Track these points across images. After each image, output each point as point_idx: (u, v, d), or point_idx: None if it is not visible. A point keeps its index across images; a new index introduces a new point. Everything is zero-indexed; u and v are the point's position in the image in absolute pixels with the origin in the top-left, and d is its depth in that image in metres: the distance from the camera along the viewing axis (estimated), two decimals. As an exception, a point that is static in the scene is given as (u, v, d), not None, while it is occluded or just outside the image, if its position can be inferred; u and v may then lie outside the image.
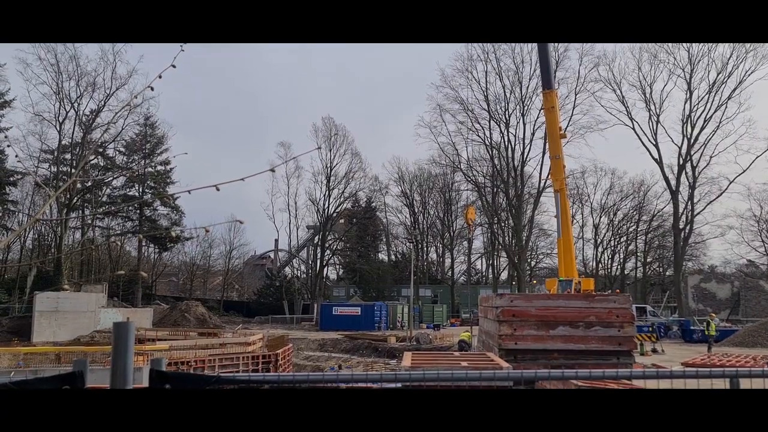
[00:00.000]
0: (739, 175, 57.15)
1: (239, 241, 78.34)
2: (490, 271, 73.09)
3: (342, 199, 69.18)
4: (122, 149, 61.98)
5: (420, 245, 75.41)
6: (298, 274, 75.96)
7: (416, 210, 77.25)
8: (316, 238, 70.65)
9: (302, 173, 69.96)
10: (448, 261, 77.60)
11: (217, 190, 4.04)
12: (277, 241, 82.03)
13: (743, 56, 54.49)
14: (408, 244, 73.61)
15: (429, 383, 3.36)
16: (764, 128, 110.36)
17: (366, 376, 3.44)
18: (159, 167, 64.35)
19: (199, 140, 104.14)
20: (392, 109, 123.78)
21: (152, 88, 4.55)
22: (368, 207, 74.80)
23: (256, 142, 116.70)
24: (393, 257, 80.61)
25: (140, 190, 62.99)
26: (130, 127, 58.62)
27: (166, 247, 69.54)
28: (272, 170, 5.16)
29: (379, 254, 79.19)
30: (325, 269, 73.98)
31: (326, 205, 67.77)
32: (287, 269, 78.61)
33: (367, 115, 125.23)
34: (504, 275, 72.38)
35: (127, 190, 63.60)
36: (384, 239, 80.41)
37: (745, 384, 3.13)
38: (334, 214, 69.74)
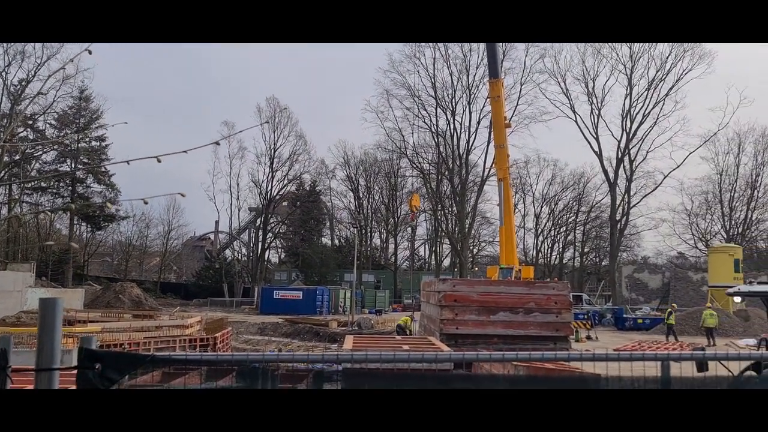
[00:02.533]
0: (673, 170, 59.28)
1: (178, 222, 76.14)
2: (433, 257, 73.86)
3: (286, 181, 68.36)
4: (54, 122, 59.03)
5: (364, 230, 75.38)
6: (239, 257, 74.76)
7: (361, 195, 77.26)
8: (258, 221, 69.57)
9: (245, 154, 68.68)
10: (391, 247, 78.05)
11: (159, 161, 3.94)
12: (217, 222, 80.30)
13: (681, 55, 56.57)
14: (352, 229, 73.60)
15: (372, 364, 3.35)
16: (698, 126, 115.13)
17: (308, 356, 3.36)
18: (93, 143, 61.85)
19: (141, 118, 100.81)
20: (339, 92, 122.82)
21: (90, 52, 4.31)
22: (312, 190, 74.11)
23: (199, 122, 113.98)
24: (336, 242, 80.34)
25: (72, 165, 60.37)
26: (63, 100, 55.87)
27: (100, 226, 66.97)
28: (217, 143, 5.08)
29: (323, 238, 78.83)
30: (267, 252, 73.19)
31: (269, 188, 66.85)
32: (228, 251, 77.22)
33: (313, 96, 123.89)
34: (447, 262, 73.31)
35: (59, 165, 60.80)
36: (328, 223, 79.97)
37: (674, 368, 3.32)
38: (278, 197, 68.82)
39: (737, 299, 29.61)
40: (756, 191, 65.00)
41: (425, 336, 18.28)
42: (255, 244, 71.19)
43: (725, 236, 63.00)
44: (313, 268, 66.85)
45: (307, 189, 73.69)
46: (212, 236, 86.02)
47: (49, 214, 60.74)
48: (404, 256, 77.75)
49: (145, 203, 5.07)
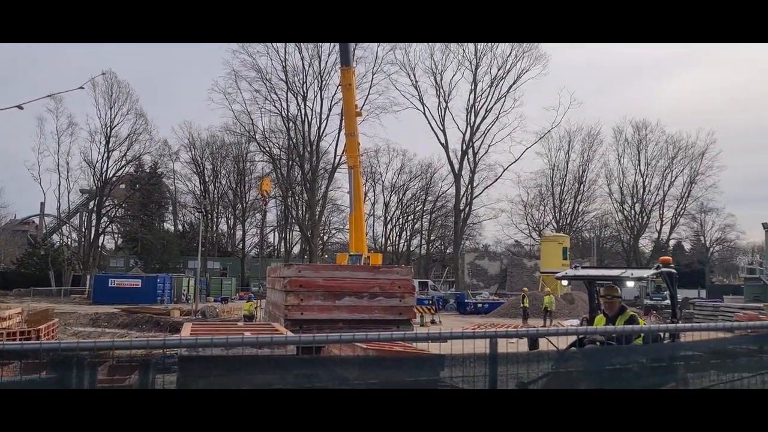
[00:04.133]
0: (512, 163, 63.40)
1: (-4, 203, 68.12)
2: (283, 244, 72.78)
3: (123, 162, 63.16)
4: None
5: (210, 216, 72.28)
6: (69, 243, 68.42)
7: (207, 179, 73.61)
8: (92, 204, 64.09)
9: (76, 131, 62.30)
10: (239, 233, 75.54)
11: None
12: (43, 204, 72.68)
13: (521, 56, 60.23)
14: (197, 214, 70.16)
15: (216, 348, 3.43)
16: (534, 123, 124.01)
17: (147, 342, 3.37)
18: None
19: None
20: (184, 69, 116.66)
21: None
22: (153, 172, 69.52)
23: (24, 96, 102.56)
24: (180, 227, 76.29)
25: None
26: None
27: None
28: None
29: (165, 224, 74.47)
30: (102, 238, 67.70)
31: (105, 168, 61.48)
32: (55, 236, 70.33)
33: (156, 73, 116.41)
34: (297, 249, 72.52)
35: None
36: (170, 208, 75.67)
37: (501, 344, 3.63)
38: (114, 179, 63.73)
39: (564, 283, 31.95)
40: (582, 185, 71.28)
41: (269, 323, 17.84)
42: (87, 228, 65.47)
43: (556, 226, 68.37)
44: (154, 255, 63.04)
45: (148, 171, 69.00)
46: (37, 220, 78.04)
47: None
48: (253, 242, 75.92)
49: None
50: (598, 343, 6.24)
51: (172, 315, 35.25)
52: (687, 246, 78.86)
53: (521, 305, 34.18)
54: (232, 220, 76.84)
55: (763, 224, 49.38)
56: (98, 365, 3.77)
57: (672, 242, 73.78)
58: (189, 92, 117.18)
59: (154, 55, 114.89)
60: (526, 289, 38.80)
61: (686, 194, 68.47)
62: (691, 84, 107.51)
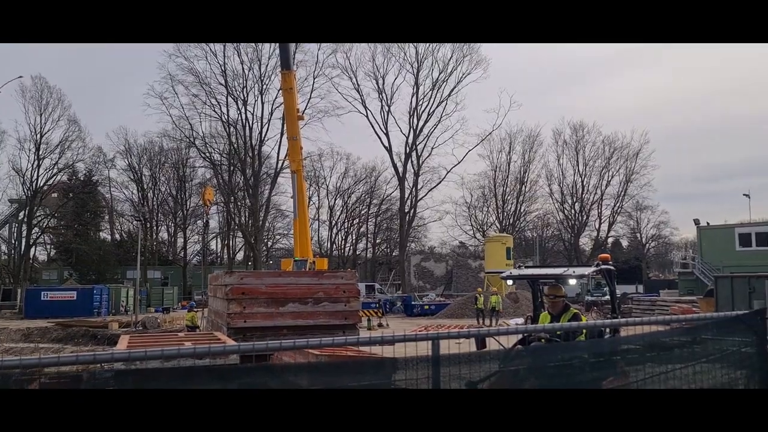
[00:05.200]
0: (455, 166, 64.40)
1: None
2: (226, 251, 71.45)
3: (55, 170, 60.59)
4: None
5: (149, 224, 70.23)
6: (-2, 255, 65.19)
7: (145, 186, 71.22)
8: (22, 214, 61.27)
9: (4, 138, 59.42)
10: (180, 241, 73.62)
11: None
12: (-33, 215, 69.20)
13: (461, 59, 61.00)
14: (135, 222, 68.02)
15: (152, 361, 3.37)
16: (476, 126, 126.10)
17: (77, 357, 3.26)
18: None
19: None
20: (119, 74, 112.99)
21: None
22: (88, 180, 66.90)
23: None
24: (118, 236, 73.71)
25: None
26: None
27: None
28: None
29: (101, 233, 71.80)
30: (33, 249, 64.85)
31: (35, 177, 58.91)
32: (-19, 249, 67.00)
33: (89, 78, 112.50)
34: (240, 256, 71.30)
35: None
36: (107, 217, 73.07)
37: (443, 345, 3.68)
38: (45, 187, 61.13)
39: (510, 282, 32.43)
40: (524, 186, 72.75)
41: (212, 332, 17.43)
42: (17, 240, 62.56)
43: (499, 226, 69.56)
44: (90, 266, 60.73)
45: (82, 179, 66.43)
46: (-39, 232, 74.11)
47: None
48: (195, 250, 74.03)
49: None
50: (542, 341, 6.48)
51: (110, 327, 33.90)
52: (624, 243, 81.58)
53: (474, 306, 34.37)
54: (172, 227, 74.79)
55: (694, 220, 51.53)
56: (27, 383, 3.52)
57: (610, 240, 76.19)
58: (124, 97, 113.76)
59: (85, 60, 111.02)
60: (480, 289, 39.09)
61: (622, 193, 70.87)
62: (624, 86, 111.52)
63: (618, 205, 71.78)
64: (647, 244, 77.76)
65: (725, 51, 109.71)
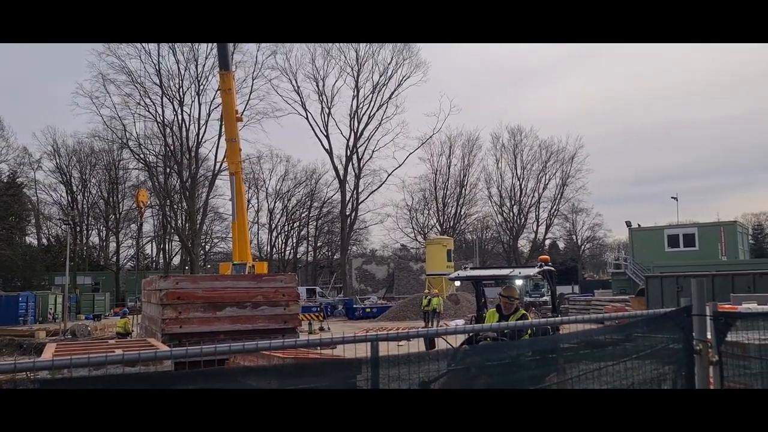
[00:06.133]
0: (396, 168, 64.55)
1: None
2: (162, 256, 69.48)
3: (-25, 172, 57.82)
4: None
5: (79, 228, 67.48)
6: None
7: (75, 188, 68.26)
8: (-61, 218, 57.90)
9: None
10: (113, 245, 71.03)
11: None
12: None
13: (401, 62, 61.35)
14: (64, 226, 65.22)
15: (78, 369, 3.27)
16: (416, 129, 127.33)
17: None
18: None
19: None
20: (46, 71, 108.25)
21: None
22: (12, 183, 63.56)
23: None
24: (45, 241, 70.50)
25: None
26: None
27: None
28: None
29: (27, 237, 68.53)
30: (-47, 255, 61.34)
31: (-47, 179, 55.93)
32: None
33: (13, 76, 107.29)
34: (177, 260, 69.46)
35: None
36: (33, 220, 69.81)
37: (383, 347, 3.69)
38: (-36, 190, 58.03)
39: (457, 283, 32.74)
40: (464, 189, 73.90)
41: (145, 338, 16.94)
42: (-65, 246, 59.07)
43: (440, 229, 70.36)
44: (15, 272, 57.87)
45: (5, 181, 63.26)
46: None
47: None
48: (128, 254, 71.71)
49: None
50: (489, 340, 6.84)
51: (37, 336, 32.40)
52: (561, 245, 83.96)
53: (423, 308, 34.29)
54: (104, 231, 72.11)
55: (626, 222, 53.52)
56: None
57: (548, 241, 78.38)
58: (51, 96, 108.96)
59: (8, 56, 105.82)
60: (427, 291, 38.91)
61: (559, 196, 72.97)
62: (560, 91, 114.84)
63: (555, 207, 73.91)
64: (583, 246, 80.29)
65: (658, 57, 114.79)
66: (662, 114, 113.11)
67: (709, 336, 4.09)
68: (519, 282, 8.80)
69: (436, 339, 6.61)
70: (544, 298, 34.03)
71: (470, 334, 6.92)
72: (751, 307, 10.94)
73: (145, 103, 53.56)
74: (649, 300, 27.22)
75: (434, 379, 3.74)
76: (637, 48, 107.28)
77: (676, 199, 60.39)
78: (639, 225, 53.37)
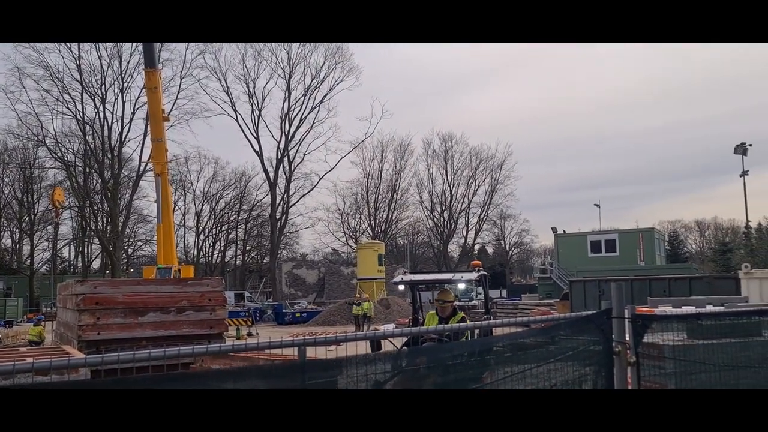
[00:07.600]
0: (327, 172, 64.12)
1: None
2: (80, 259, 66.42)
3: None
4: None
5: (-10, 229, 63.75)
6: None
7: (-15, 188, 64.73)
8: None
9: None
10: (27, 248, 67.28)
11: None
12: None
13: (334, 66, 61.17)
14: (-27, 227, 61.42)
15: None
16: (348, 133, 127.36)
17: None
18: None
19: None
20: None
21: None
22: None
23: None
24: (-49, 244, 66.29)
25: None
26: None
27: None
28: None
29: (-68, 239, 64.25)
30: None
31: None
32: None
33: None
34: (97, 264, 66.57)
35: None
36: (-62, 221, 65.49)
37: (310, 351, 3.72)
38: None
39: (401, 287, 32.69)
40: (395, 194, 74.39)
41: (60, 346, 16.08)
42: None
43: (371, 233, 70.49)
44: None
45: None
46: None
47: None
48: (44, 258, 68.11)
49: None
50: (434, 341, 7.02)
51: (-60, 345, 30.27)
52: (490, 250, 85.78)
53: (353, 312, 34.01)
54: (17, 233, 68.27)
55: (552, 228, 55.26)
56: None
57: (477, 246, 79.87)
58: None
59: None
60: (358, 296, 38.52)
61: (488, 202, 74.65)
62: (489, 100, 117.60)
63: (484, 213, 75.54)
64: (510, 251, 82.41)
65: (591, 67, 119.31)
66: (592, 123, 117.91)
67: (627, 338, 4.22)
68: (461, 285, 9.41)
69: (382, 341, 6.81)
70: (474, 302, 34.63)
71: (408, 338, 7.35)
72: (667, 310, 11.49)
73: (65, 99, 51.02)
74: (573, 303, 28.19)
75: (388, 379, 3.79)
76: (571, 56, 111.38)
77: (598, 206, 62.86)
78: (564, 231, 55.25)
